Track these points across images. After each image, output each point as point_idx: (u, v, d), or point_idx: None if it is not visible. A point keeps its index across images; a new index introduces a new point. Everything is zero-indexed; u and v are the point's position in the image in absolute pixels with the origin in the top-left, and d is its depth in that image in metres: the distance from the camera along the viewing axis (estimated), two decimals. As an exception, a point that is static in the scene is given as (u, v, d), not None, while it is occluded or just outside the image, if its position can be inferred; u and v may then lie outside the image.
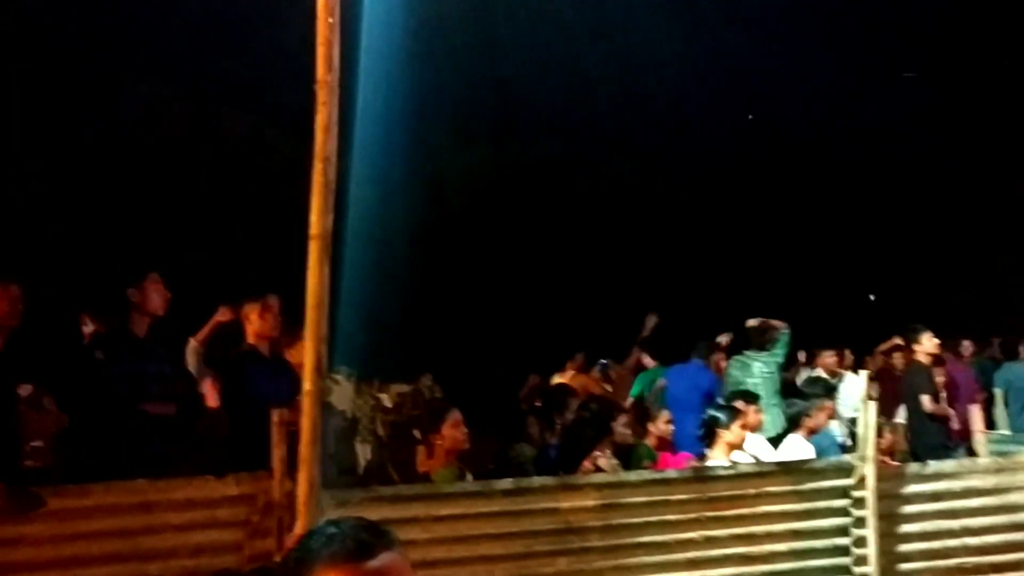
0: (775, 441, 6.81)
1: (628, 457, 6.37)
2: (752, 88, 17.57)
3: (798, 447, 6.56)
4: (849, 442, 6.59)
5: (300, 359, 4.00)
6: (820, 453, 6.27)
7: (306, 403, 3.81)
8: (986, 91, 17.12)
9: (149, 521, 4.18)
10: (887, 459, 5.20)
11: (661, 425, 6.76)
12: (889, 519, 4.77)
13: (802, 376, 9.81)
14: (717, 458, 5.61)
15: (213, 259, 12.98)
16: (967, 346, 11.22)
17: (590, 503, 4.52)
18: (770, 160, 18.24)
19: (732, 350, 9.05)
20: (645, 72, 16.27)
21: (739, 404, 6.05)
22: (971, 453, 8.03)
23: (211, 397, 5.86)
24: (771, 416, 7.31)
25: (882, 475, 4.75)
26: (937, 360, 8.27)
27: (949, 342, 9.33)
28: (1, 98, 12.31)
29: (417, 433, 6.59)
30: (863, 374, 5.05)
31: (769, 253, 17.85)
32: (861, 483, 4.71)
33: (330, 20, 3.66)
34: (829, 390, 8.25)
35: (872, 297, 18.77)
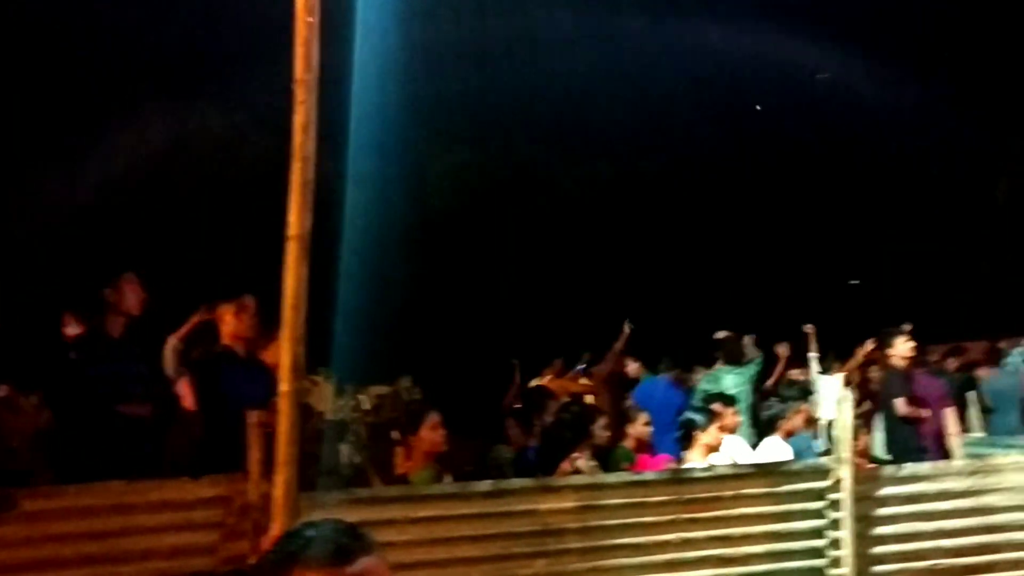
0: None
1: (607, 459, 6.38)
2: (728, 95, 17.67)
3: (775, 449, 6.60)
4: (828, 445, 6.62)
5: (277, 360, 3.97)
6: (797, 455, 6.31)
7: (283, 404, 3.78)
8: (969, 92, 17.27)
9: (124, 523, 4.14)
10: (863, 461, 5.23)
11: (639, 427, 6.78)
12: (865, 521, 4.80)
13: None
14: (695, 460, 5.63)
15: (190, 259, 12.91)
16: (937, 352, 11.34)
17: (568, 505, 4.52)
18: (751, 163, 18.34)
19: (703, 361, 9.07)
20: (625, 75, 16.33)
21: (716, 406, 6.09)
22: (945, 456, 8.09)
23: (187, 398, 5.83)
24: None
25: (858, 477, 4.78)
26: (912, 364, 8.33)
27: (919, 348, 9.39)
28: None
29: (395, 435, 6.58)
30: (839, 376, 5.08)
31: (749, 257, 17.94)
32: (837, 485, 4.74)
33: (309, 19, 3.65)
34: (805, 394, 8.31)
35: (854, 282, 18.86)
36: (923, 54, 16.76)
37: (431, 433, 5.27)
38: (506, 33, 15.35)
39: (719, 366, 8.52)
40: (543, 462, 6.09)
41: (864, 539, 4.78)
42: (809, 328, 9.77)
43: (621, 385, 10.28)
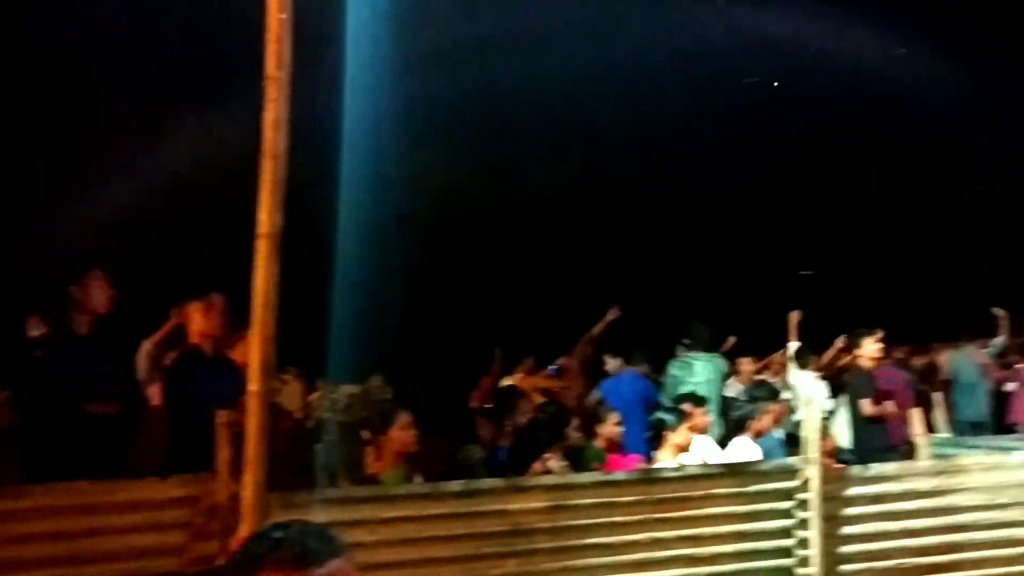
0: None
1: (577, 459, 6.40)
2: (697, 97, 17.74)
3: (744, 449, 6.65)
4: None
5: (246, 359, 3.94)
6: (766, 455, 6.36)
7: (252, 404, 3.76)
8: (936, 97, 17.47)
9: (90, 523, 4.10)
10: (830, 461, 5.28)
11: (610, 427, 6.80)
12: (832, 521, 4.85)
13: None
14: (665, 460, 5.66)
15: (161, 256, 12.78)
16: (902, 352, 11.49)
17: (539, 505, 4.53)
18: (721, 162, 18.44)
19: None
20: (596, 73, 16.35)
21: (686, 407, 6.12)
22: (911, 456, 8.20)
23: (156, 397, 5.77)
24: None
25: (826, 477, 4.82)
26: (879, 363, 8.44)
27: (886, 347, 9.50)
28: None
29: (366, 435, 6.56)
30: (809, 375, 5.12)
31: (721, 255, 18.05)
32: (805, 485, 4.78)
33: (281, 16, 3.63)
34: (774, 393, 8.38)
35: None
36: (886, 49, 16.93)
37: (401, 433, 5.26)
38: (480, 31, 15.32)
39: (689, 353, 8.51)
40: (516, 462, 6.10)
41: (831, 538, 4.83)
42: (794, 316, 9.78)
43: (595, 379, 10.30)
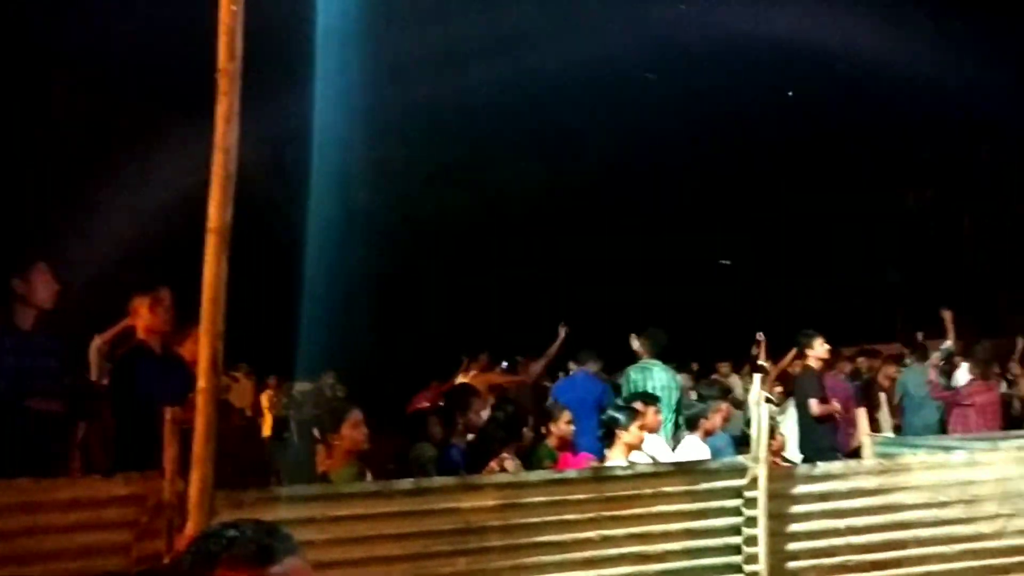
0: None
1: (529, 458, 6.42)
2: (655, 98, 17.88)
3: (694, 448, 6.73)
4: None
5: (195, 355, 3.89)
6: (715, 454, 6.44)
7: (200, 401, 3.71)
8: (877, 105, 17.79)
9: (32, 522, 4.01)
10: (778, 460, 5.35)
11: (562, 425, 6.83)
12: (779, 519, 4.90)
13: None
14: (616, 458, 5.70)
15: (111, 251, 12.57)
16: (849, 352, 11.70)
17: (490, 503, 4.53)
18: (676, 164, 18.60)
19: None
20: (554, 77, 16.40)
21: (638, 405, 6.16)
22: (857, 455, 8.35)
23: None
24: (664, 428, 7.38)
25: (773, 476, 4.88)
26: (827, 365, 8.60)
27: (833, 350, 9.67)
28: None
29: (316, 432, 6.52)
30: (757, 377, 5.19)
31: (671, 260, 18.20)
32: (753, 483, 4.84)
33: (233, 7, 3.58)
34: (725, 393, 8.49)
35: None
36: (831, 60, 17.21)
37: (352, 431, 5.24)
38: (441, 31, 15.28)
39: (647, 358, 8.52)
40: (472, 460, 6.11)
41: (778, 536, 4.88)
42: (760, 336, 10.09)
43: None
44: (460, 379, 10.13)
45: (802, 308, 13.91)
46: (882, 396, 10.56)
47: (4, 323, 4.77)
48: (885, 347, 12.88)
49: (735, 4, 15.86)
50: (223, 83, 3.63)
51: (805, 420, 8.31)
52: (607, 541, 4.63)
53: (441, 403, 9.04)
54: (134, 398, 4.93)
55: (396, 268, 16.20)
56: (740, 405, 8.65)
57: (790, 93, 17.78)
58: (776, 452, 5.63)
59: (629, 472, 5.00)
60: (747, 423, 6.03)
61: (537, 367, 10.21)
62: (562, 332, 9.94)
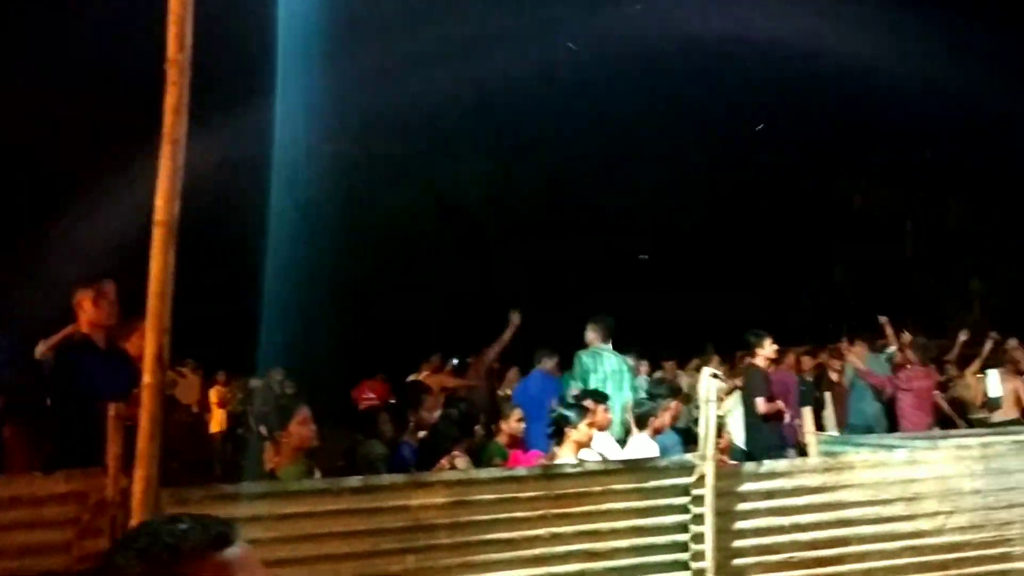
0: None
1: (479, 455, 6.42)
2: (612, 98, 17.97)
3: (643, 446, 6.78)
4: None
5: (140, 350, 3.82)
6: (664, 452, 6.49)
7: (145, 396, 3.65)
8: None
9: (-33, 520, 3.92)
10: (725, 458, 5.41)
11: (513, 423, 6.84)
12: (725, 516, 4.96)
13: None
14: (565, 456, 5.72)
15: (57, 245, 12.32)
16: (795, 352, 11.87)
17: (440, 500, 4.51)
18: (630, 165, 18.72)
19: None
20: (506, 71, 16.40)
21: (588, 403, 6.19)
22: (803, 453, 8.48)
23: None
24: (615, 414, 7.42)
25: (720, 473, 4.94)
26: (772, 364, 8.73)
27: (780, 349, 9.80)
28: None
29: (263, 429, 6.45)
30: (706, 372, 5.23)
31: (624, 259, 18.32)
32: (700, 481, 4.89)
33: (183, -2, 3.53)
34: (674, 391, 8.56)
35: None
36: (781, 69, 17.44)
37: (300, 428, 5.19)
38: (400, 30, 15.20)
39: (598, 343, 8.51)
40: (424, 458, 6.09)
41: (725, 533, 4.94)
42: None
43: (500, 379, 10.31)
44: (413, 377, 10.08)
45: (748, 309, 14.10)
46: (827, 395, 10.72)
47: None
48: (830, 348, 13.06)
49: (685, 4, 16.02)
50: (172, 73, 3.57)
51: (752, 418, 8.43)
52: (556, 538, 4.65)
53: (391, 400, 9.00)
54: (76, 393, 4.83)
55: (346, 264, 16.08)
56: (689, 401, 8.74)
57: (739, 97, 17.98)
58: (723, 450, 5.70)
59: (578, 470, 5.03)
60: (695, 421, 6.10)
61: (491, 353, 10.13)
62: (514, 318, 9.87)
